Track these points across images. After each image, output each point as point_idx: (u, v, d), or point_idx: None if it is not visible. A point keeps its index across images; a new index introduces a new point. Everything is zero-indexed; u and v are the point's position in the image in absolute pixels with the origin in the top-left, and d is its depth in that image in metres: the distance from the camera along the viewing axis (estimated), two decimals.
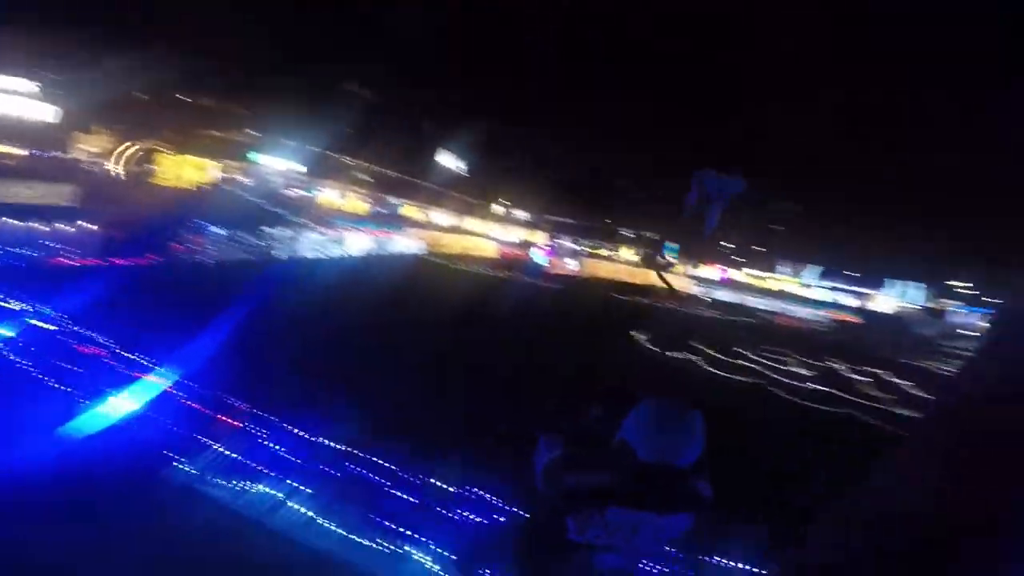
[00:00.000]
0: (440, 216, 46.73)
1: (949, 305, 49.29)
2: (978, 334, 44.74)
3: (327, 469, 4.53)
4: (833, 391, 17.89)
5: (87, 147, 26.55)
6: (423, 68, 49.45)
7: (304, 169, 35.82)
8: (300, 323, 9.52)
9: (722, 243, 51.00)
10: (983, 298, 48.42)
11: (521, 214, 57.08)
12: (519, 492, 4.33)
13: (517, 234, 52.93)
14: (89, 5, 28.42)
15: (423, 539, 3.94)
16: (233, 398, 5.06)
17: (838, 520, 1.64)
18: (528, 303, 25.28)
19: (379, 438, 4.90)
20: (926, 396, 19.47)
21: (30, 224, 13.18)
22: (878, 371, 22.29)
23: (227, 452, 4.57)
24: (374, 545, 3.92)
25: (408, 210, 43.55)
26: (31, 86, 22.96)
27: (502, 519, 4.29)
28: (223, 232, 17.27)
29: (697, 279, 45.94)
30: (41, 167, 20.27)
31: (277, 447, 4.71)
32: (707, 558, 4.07)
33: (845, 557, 1.50)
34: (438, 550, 3.91)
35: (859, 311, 45.14)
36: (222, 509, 4.11)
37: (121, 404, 4.85)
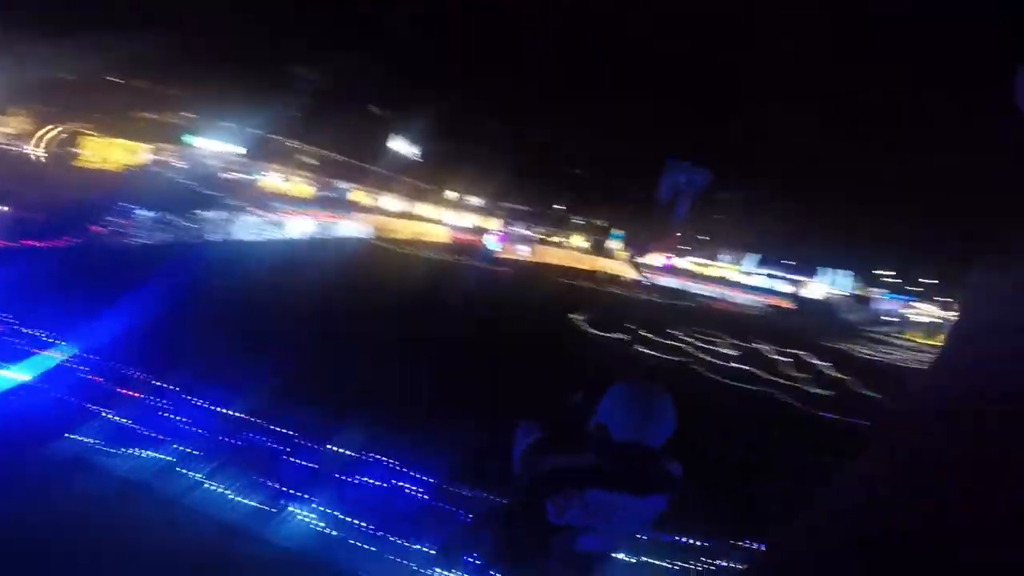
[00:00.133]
0: (390, 201, 46.26)
1: (874, 292, 52.64)
2: (897, 319, 48.20)
3: (222, 437, 4.72)
4: (755, 371, 19.08)
5: (5, 129, 25.08)
6: (374, 51, 48.39)
7: (244, 152, 34.72)
8: (219, 303, 9.52)
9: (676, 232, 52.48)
10: (905, 287, 52.05)
11: (474, 200, 57.10)
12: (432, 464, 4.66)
13: (470, 220, 53.00)
14: None
15: (307, 496, 4.20)
16: (134, 370, 5.17)
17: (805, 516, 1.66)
18: (476, 286, 25.61)
19: (279, 407, 5.12)
20: (840, 376, 21.09)
21: None
22: (800, 352, 23.82)
23: (123, 421, 4.70)
24: (264, 508, 4.09)
25: (357, 195, 42.90)
26: None
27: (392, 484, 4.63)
28: (150, 214, 16.75)
29: (641, 265, 47.41)
30: None
31: (175, 417, 4.87)
32: (680, 539, 4.36)
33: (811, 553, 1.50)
34: (325, 509, 4.16)
35: (792, 297, 47.76)
36: (113, 477, 4.16)
37: (14, 376, 4.89)
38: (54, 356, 5.12)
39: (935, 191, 48.12)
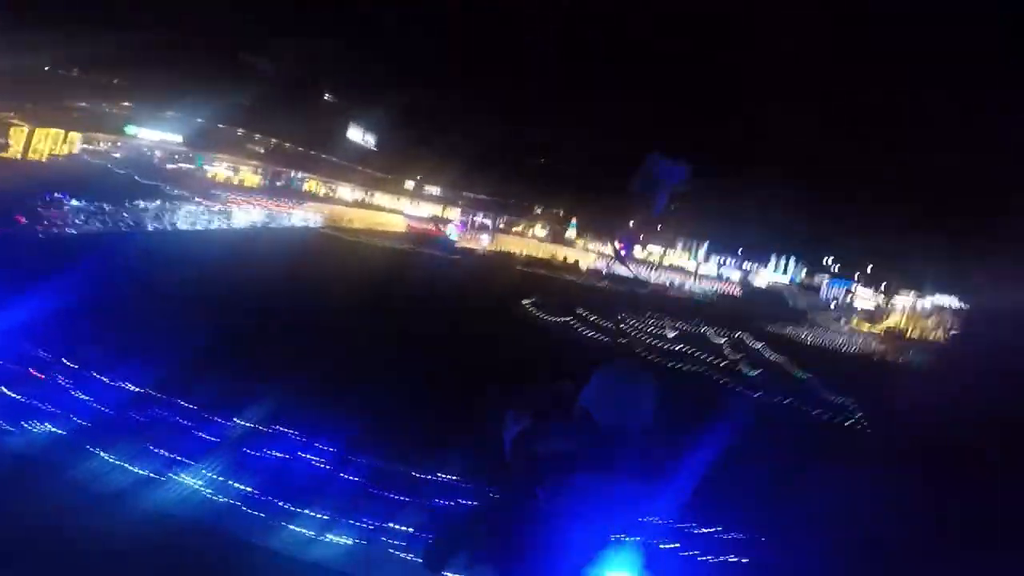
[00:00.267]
0: (346, 190, 45.74)
1: (819, 280, 54.97)
2: (840, 305, 50.62)
3: (124, 412, 4.89)
4: (694, 351, 20.02)
5: None
6: (329, 38, 47.54)
7: (190, 141, 33.68)
8: (141, 288, 9.52)
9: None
10: (850, 275, 54.41)
11: (435, 190, 56.87)
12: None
13: (429, 210, 52.85)
14: None
15: (187, 461, 4.38)
16: (40, 350, 5.26)
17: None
18: (427, 274, 25.84)
19: (180, 380, 5.32)
20: (773, 357, 22.32)
21: None
22: (739, 333, 25.02)
23: (22, 399, 4.80)
24: (151, 475, 4.12)
25: (310, 184, 42.29)
26: None
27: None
28: (82, 204, 16.28)
29: (599, 254, 48.39)
30: None
31: (77, 393, 5.00)
32: (673, 524, 4.53)
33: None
34: (216, 477, 4.39)
35: (741, 284, 49.61)
36: (8, 453, 4.31)
37: None
38: None
39: (879, 182, 50.63)
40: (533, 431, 1.93)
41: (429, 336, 12.40)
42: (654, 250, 55.85)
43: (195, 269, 12.69)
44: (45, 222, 14.65)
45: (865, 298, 51.05)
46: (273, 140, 40.38)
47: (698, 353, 19.80)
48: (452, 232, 47.78)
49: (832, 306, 49.58)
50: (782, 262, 54.28)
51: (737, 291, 47.44)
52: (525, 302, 23.38)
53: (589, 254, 48.84)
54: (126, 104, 31.11)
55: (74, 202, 15.85)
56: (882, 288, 51.01)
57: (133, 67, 31.69)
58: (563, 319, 21.11)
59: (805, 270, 54.83)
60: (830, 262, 55.49)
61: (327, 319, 10.96)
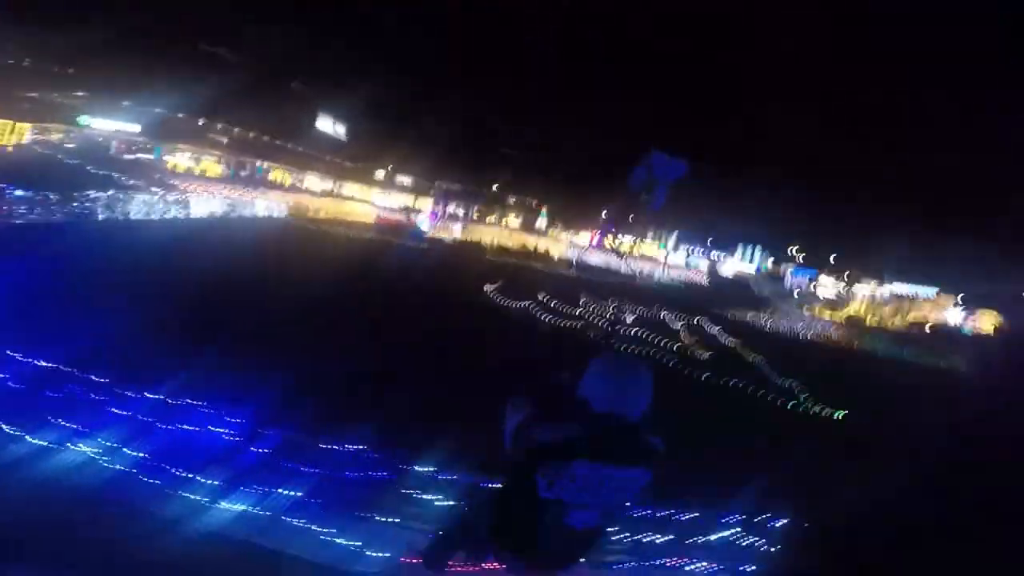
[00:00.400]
0: (313, 180, 45.24)
1: (784, 268, 56.30)
2: (802, 293, 52.00)
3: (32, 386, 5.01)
4: (652, 334, 20.55)
5: None
6: (295, 25, 46.68)
7: (147, 132, 32.95)
8: (81, 275, 9.52)
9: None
10: (813, 263, 55.80)
11: (405, 180, 56.47)
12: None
13: (400, 200, 52.50)
14: None
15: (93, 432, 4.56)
16: None
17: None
18: (393, 263, 25.91)
19: (96, 360, 5.47)
20: (727, 341, 23.03)
21: None
22: (698, 319, 25.73)
23: None
24: (54, 446, 4.26)
25: (276, 174, 41.74)
26: None
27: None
28: (30, 195, 15.99)
29: (570, 243, 48.85)
30: None
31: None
32: (670, 513, 4.79)
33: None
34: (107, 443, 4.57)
35: (708, 273, 50.63)
36: None
37: None
38: None
39: (845, 172, 51.82)
40: (532, 421, 1.97)
41: (394, 322, 12.60)
42: (626, 240, 56.50)
43: (141, 258, 12.65)
44: None
45: (827, 287, 52.49)
46: (236, 129, 39.70)
47: (654, 336, 20.32)
48: (423, 222, 47.64)
49: (795, 294, 50.89)
50: (748, 252, 55.41)
51: (704, 279, 48.42)
52: (488, 288, 23.70)
53: (560, 244, 49.27)
54: (80, 94, 30.30)
55: (20, 192, 15.59)
56: (845, 277, 52.47)
57: (88, 57, 30.84)
58: (523, 304, 21.51)
59: (771, 259, 56.06)
60: (795, 252, 56.83)
61: (286, 309, 11.03)
